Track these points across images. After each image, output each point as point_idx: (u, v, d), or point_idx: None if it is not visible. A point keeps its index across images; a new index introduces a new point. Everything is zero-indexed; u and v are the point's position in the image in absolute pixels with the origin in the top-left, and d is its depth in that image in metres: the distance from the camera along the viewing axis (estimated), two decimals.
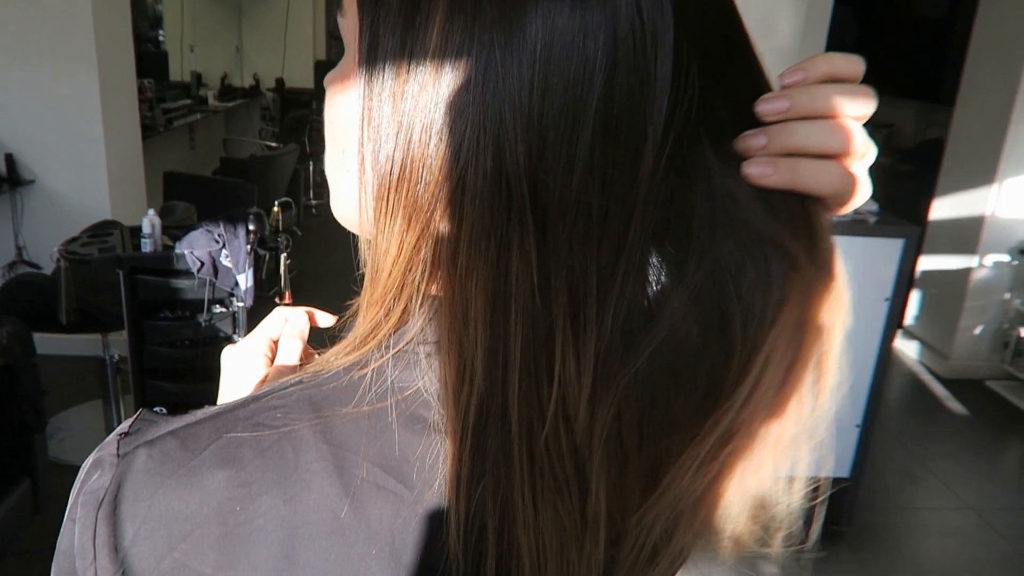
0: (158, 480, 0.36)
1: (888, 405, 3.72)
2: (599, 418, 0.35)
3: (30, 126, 3.35)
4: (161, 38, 6.82)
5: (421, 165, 0.34)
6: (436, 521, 0.37)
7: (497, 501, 0.36)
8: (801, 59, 0.37)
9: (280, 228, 2.77)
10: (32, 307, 2.47)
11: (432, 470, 0.37)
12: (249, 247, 2.49)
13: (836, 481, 2.72)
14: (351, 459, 0.37)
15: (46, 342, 3.22)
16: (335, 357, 0.40)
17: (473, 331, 0.35)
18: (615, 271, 0.34)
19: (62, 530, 0.37)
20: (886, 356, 2.53)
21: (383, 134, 0.35)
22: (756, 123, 0.36)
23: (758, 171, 0.35)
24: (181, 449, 0.36)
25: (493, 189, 0.33)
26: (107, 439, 0.38)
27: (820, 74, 0.36)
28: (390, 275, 0.37)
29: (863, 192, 0.38)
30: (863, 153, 0.37)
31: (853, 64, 0.36)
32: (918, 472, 3.18)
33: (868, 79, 0.37)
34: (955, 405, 3.78)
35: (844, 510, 2.72)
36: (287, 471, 0.36)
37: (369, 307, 0.39)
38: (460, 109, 0.33)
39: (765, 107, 0.36)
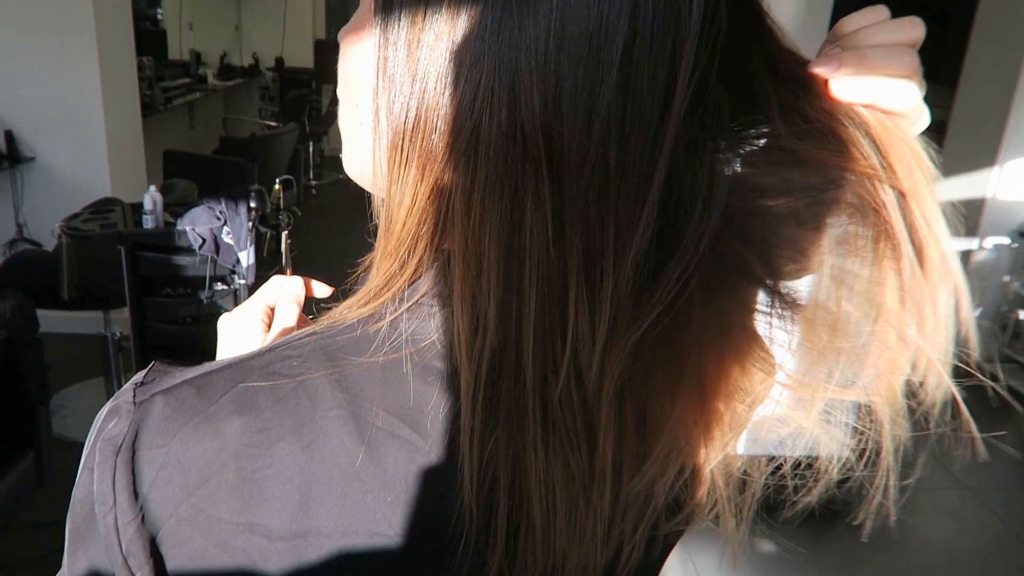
0: (175, 427, 0.36)
1: None
2: (609, 372, 0.35)
3: (30, 103, 3.33)
4: (160, 16, 6.77)
5: (436, 115, 0.34)
6: (450, 471, 0.37)
7: (509, 453, 0.36)
8: (803, 38, 0.37)
9: (281, 206, 2.77)
10: (34, 284, 2.47)
11: (446, 421, 0.38)
12: (251, 224, 2.49)
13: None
14: (367, 407, 0.37)
15: (48, 320, 3.22)
16: (349, 309, 0.40)
17: (487, 283, 0.35)
18: (633, 228, 0.34)
19: (77, 480, 0.38)
20: None
21: (398, 83, 0.35)
22: (784, 77, 0.36)
23: (824, 68, 0.36)
24: (197, 397, 0.37)
25: (507, 140, 0.33)
26: (122, 388, 0.38)
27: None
28: (404, 226, 0.37)
29: (924, 111, 0.38)
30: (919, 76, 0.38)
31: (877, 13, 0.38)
32: (915, 452, 3.19)
33: None
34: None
35: (841, 489, 2.74)
36: (304, 418, 0.37)
37: (383, 259, 0.39)
38: (476, 58, 0.33)
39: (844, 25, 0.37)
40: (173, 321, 2.53)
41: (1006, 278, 3.96)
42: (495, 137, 0.33)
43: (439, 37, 0.34)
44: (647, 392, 0.37)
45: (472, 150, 0.34)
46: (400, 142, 0.35)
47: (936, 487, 2.97)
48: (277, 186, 2.79)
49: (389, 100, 0.35)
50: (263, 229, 2.62)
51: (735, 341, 0.38)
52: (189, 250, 2.47)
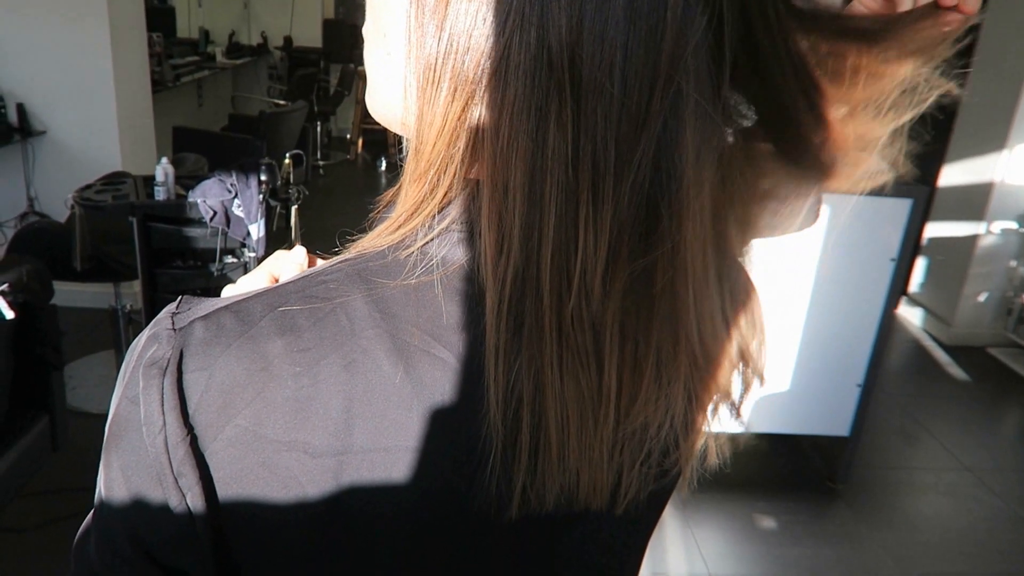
0: (217, 350, 0.37)
1: (889, 369, 3.76)
2: (612, 294, 0.37)
3: (41, 77, 3.35)
4: None
5: (468, 36, 0.35)
6: (479, 389, 0.38)
7: (531, 371, 0.38)
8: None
9: (291, 180, 2.79)
10: (47, 254, 2.49)
11: (475, 341, 0.39)
12: (261, 197, 2.51)
13: (834, 440, 2.76)
14: (403, 327, 0.38)
15: (59, 293, 3.26)
16: (379, 236, 0.42)
17: (512, 202, 0.36)
18: (633, 147, 0.35)
19: (113, 414, 0.38)
20: (889, 316, 2.55)
21: (431, 6, 0.36)
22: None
23: None
24: (236, 321, 0.38)
25: (535, 60, 0.34)
26: (158, 317, 0.39)
27: None
28: (434, 147, 0.38)
29: None
30: None
31: None
32: (917, 433, 3.22)
33: None
34: (956, 371, 3.81)
35: (841, 468, 2.77)
36: (344, 337, 0.38)
37: (412, 184, 0.40)
38: None
39: None
40: (184, 292, 2.54)
41: (1012, 263, 3.96)
42: (524, 57, 0.34)
43: None
44: (649, 327, 0.39)
45: (502, 71, 0.35)
46: (433, 63, 0.36)
47: (936, 467, 2.99)
48: (287, 160, 2.80)
49: (422, 23, 0.36)
50: (273, 203, 2.64)
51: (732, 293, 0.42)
52: (200, 222, 2.50)
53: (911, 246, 2.50)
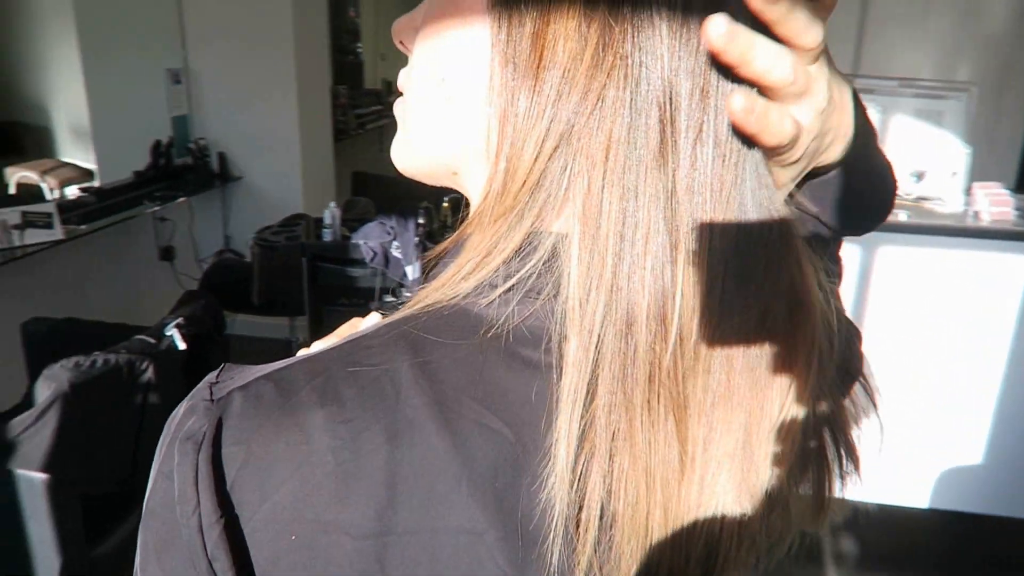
0: (256, 423, 0.35)
1: None
2: (713, 342, 0.35)
3: (240, 130, 3.74)
4: (359, 49, 7.36)
5: (568, 83, 0.35)
6: (537, 462, 0.35)
7: (609, 432, 0.35)
8: None
9: (448, 223, 2.89)
10: (231, 287, 2.74)
11: (534, 409, 0.36)
12: (418, 239, 2.61)
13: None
14: (452, 396, 0.36)
15: (240, 323, 3.58)
16: (438, 289, 0.39)
17: (604, 248, 0.34)
18: (727, 185, 0.35)
19: (150, 490, 0.36)
20: None
21: (525, 54, 0.35)
22: None
23: (716, 25, 0.33)
24: (276, 392, 0.36)
25: (633, 102, 0.34)
26: (196, 388, 0.37)
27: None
28: (517, 194, 0.36)
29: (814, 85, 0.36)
30: (804, 91, 0.35)
31: None
32: None
33: None
34: None
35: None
36: (388, 407, 0.35)
37: (482, 230, 0.38)
38: None
39: (713, 28, 0.33)
40: None
41: None
42: (624, 97, 0.34)
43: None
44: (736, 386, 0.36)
45: (599, 112, 0.35)
46: (528, 110, 0.36)
47: None
48: (445, 204, 2.90)
49: (513, 72, 0.36)
50: (430, 245, 2.74)
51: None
52: (362, 262, 2.64)
53: None
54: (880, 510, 2.52)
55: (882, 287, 2.38)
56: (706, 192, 0.34)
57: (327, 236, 2.70)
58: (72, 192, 3.18)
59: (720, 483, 0.36)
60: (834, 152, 0.40)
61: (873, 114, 2.26)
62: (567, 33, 0.34)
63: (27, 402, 1.55)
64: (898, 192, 0.50)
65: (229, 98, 3.69)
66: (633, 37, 0.34)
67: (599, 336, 0.34)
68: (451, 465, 0.35)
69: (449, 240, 0.41)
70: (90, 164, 3.35)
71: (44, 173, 3.40)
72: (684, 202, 0.34)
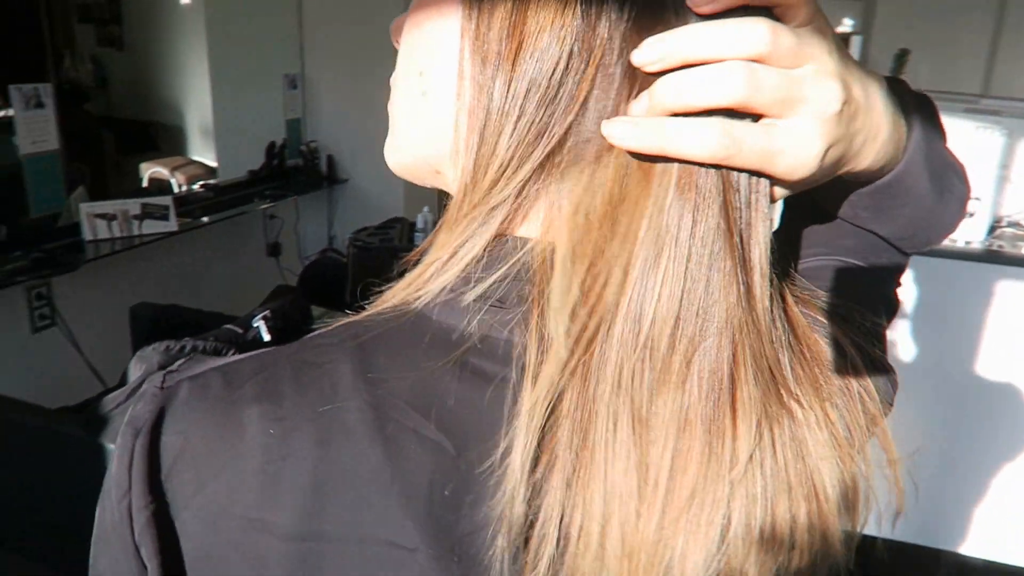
0: (197, 414, 0.35)
1: None
2: (683, 348, 0.33)
3: (348, 134, 3.88)
4: None
5: (547, 77, 0.34)
6: (481, 479, 0.34)
7: (572, 443, 0.33)
8: None
9: None
10: (327, 285, 2.85)
11: (482, 423, 0.34)
12: None
13: None
14: (391, 402, 0.35)
15: (329, 320, 3.68)
16: (401, 290, 0.39)
17: (583, 248, 0.33)
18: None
19: (108, 468, 0.37)
20: None
21: (496, 45, 0.34)
22: None
23: (616, 131, 0.32)
24: (223, 384, 0.36)
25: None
26: (154, 373, 0.38)
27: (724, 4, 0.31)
28: (488, 191, 0.35)
29: (797, 155, 0.32)
30: (786, 99, 0.31)
31: None
32: None
33: None
34: None
35: None
36: (323, 409, 0.35)
37: (448, 230, 0.37)
38: None
39: (637, 58, 0.32)
40: None
41: None
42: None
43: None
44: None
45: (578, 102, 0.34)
46: (500, 106, 0.35)
47: None
48: None
49: (487, 63, 0.35)
50: None
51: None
52: None
53: None
54: (986, 566, 2.32)
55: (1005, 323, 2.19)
56: (692, 193, 0.32)
57: (418, 240, 2.75)
58: (195, 188, 3.40)
59: (684, 523, 0.32)
60: (868, 154, 0.36)
61: (997, 138, 2.10)
62: (542, 26, 0.33)
63: (122, 381, 1.66)
64: (970, 196, 0.45)
65: (340, 104, 3.84)
66: (610, 32, 0.32)
67: (570, 348, 0.32)
68: (382, 474, 0.34)
69: (426, 241, 0.40)
70: (213, 162, 3.58)
71: (174, 169, 3.65)
72: (674, 203, 0.32)
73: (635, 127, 0.31)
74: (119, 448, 0.35)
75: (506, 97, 0.34)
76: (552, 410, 0.33)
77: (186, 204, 3.05)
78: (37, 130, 2.38)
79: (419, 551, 0.33)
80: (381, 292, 0.39)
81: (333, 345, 0.37)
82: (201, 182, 3.46)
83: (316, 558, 0.34)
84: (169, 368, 0.38)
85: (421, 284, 0.37)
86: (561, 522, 0.33)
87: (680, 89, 0.31)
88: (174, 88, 3.90)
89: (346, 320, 0.39)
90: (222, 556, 0.34)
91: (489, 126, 0.35)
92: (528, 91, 0.33)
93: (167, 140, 3.98)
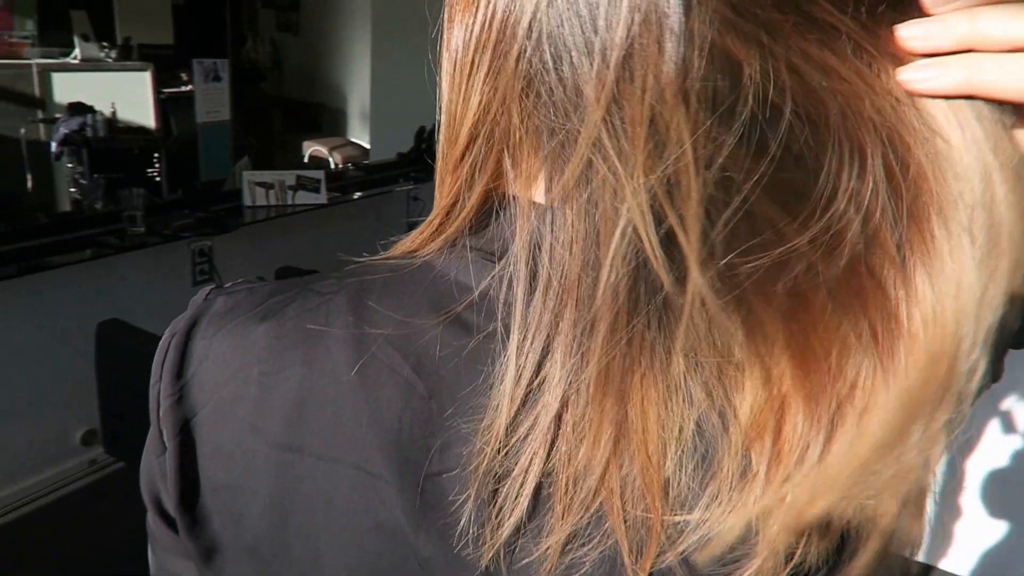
0: (222, 324, 0.39)
1: None
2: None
3: None
4: None
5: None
6: (454, 426, 0.34)
7: (561, 395, 0.31)
8: None
9: None
10: None
11: (460, 371, 0.35)
12: None
13: None
14: (373, 337, 0.36)
15: None
16: (408, 242, 0.39)
17: (572, 202, 0.31)
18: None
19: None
20: None
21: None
22: None
23: (917, 76, 0.28)
24: (248, 301, 0.40)
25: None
26: (205, 288, 0.42)
27: None
28: (470, 137, 0.34)
29: None
30: None
31: None
32: None
33: None
34: None
35: None
36: (315, 333, 0.37)
37: (444, 181, 0.37)
38: None
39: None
40: None
41: None
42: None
43: None
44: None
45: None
46: (472, 39, 0.33)
47: None
48: None
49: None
50: None
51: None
52: None
53: None
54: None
55: None
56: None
57: None
58: (348, 166, 3.61)
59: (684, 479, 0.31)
60: None
61: None
62: None
63: None
64: None
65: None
66: None
67: (549, 298, 0.31)
68: (355, 400, 0.35)
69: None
70: (367, 144, 3.78)
71: (332, 149, 3.89)
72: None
73: (941, 67, 0.28)
74: (159, 346, 0.40)
75: (468, 45, 0.33)
76: (539, 368, 0.32)
77: (337, 180, 3.24)
78: (212, 101, 2.61)
79: (384, 479, 0.35)
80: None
81: (339, 280, 0.39)
82: (356, 162, 3.67)
83: (296, 468, 0.36)
84: (219, 286, 0.42)
85: (424, 239, 0.38)
86: (544, 476, 0.32)
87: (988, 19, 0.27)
88: (339, 73, 4.15)
89: (362, 263, 0.41)
90: (229, 453, 0.38)
91: (456, 76, 0.34)
92: (496, 38, 0.31)
93: (329, 121, 4.24)
